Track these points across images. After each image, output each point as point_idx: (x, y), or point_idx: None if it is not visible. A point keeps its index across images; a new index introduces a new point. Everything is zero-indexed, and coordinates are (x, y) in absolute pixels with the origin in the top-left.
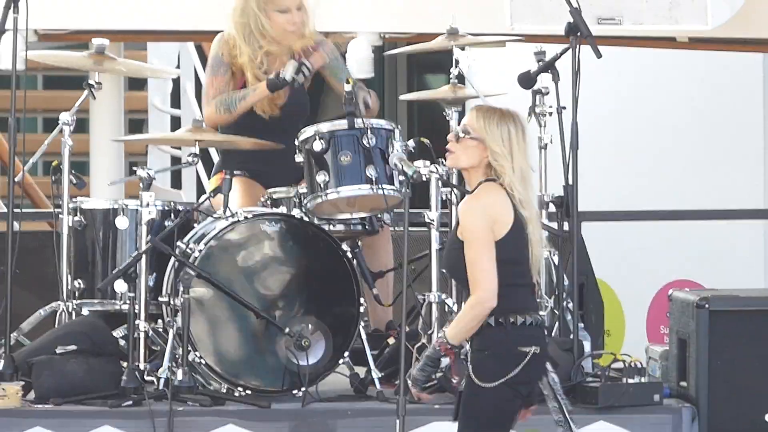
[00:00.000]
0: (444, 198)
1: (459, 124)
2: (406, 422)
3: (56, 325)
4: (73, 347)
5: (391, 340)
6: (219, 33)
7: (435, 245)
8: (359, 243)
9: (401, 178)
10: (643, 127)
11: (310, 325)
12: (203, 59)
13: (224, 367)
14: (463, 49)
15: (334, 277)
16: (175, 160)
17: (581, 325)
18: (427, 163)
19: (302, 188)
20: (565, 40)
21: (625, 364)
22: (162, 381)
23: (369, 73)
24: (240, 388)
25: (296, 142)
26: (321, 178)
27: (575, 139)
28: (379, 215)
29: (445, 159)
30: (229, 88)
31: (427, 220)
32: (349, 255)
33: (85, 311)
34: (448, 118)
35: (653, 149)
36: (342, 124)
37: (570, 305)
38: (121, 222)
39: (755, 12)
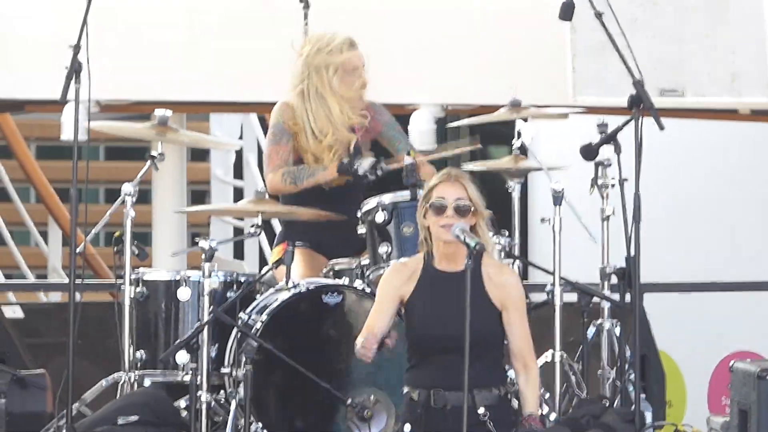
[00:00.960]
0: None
1: (448, 194)
2: None
3: (118, 396)
4: (135, 418)
5: None
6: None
7: None
8: None
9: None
10: (702, 195)
11: (372, 396)
12: (266, 130)
13: None
14: (525, 120)
15: (396, 346)
16: (238, 231)
17: (643, 395)
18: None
19: (364, 259)
20: (628, 112)
21: None
22: None
23: (431, 144)
24: None
25: (358, 214)
26: (383, 249)
27: (637, 211)
28: None
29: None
30: (291, 156)
31: None
32: None
33: (147, 382)
34: (510, 190)
35: (713, 218)
36: (404, 195)
37: (632, 376)
38: (183, 293)
39: None
